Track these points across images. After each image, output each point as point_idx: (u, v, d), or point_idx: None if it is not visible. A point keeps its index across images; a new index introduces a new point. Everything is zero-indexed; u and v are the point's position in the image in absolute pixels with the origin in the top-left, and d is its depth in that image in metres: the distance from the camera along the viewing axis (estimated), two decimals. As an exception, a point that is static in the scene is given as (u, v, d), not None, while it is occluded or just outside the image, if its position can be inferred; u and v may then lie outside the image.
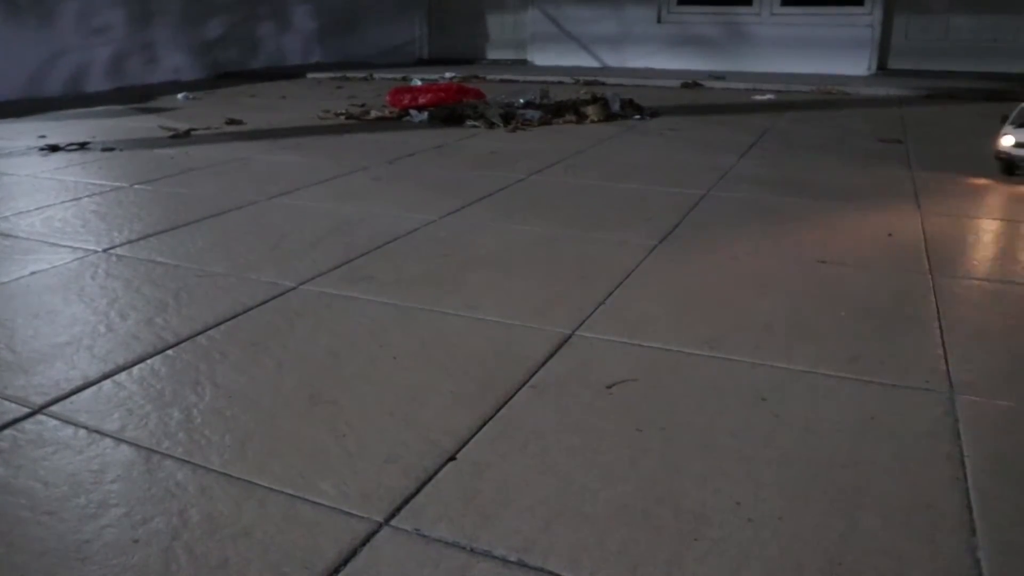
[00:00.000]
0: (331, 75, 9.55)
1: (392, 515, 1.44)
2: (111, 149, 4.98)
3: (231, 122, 6.03)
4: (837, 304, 2.40)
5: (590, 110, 6.06)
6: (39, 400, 1.86)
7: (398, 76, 8.93)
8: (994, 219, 3.35)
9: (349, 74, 9.53)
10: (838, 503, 1.47)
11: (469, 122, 5.89)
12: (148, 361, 2.06)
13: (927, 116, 6.14)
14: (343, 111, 6.48)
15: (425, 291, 2.53)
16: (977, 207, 3.53)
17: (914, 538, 1.37)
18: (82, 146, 5.06)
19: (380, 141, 5.27)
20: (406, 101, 6.39)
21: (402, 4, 10.71)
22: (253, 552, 1.35)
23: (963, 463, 1.59)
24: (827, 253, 2.88)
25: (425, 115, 6.13)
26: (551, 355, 2.07)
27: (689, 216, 3.37)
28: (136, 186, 4.00)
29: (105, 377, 1.98)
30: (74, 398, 1.88)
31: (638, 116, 6.17)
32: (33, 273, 2.72)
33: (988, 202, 3.60)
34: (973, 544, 1.36)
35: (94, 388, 1.92)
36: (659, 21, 9.42)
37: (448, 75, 8.77)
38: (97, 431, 1.73)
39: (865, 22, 8.53)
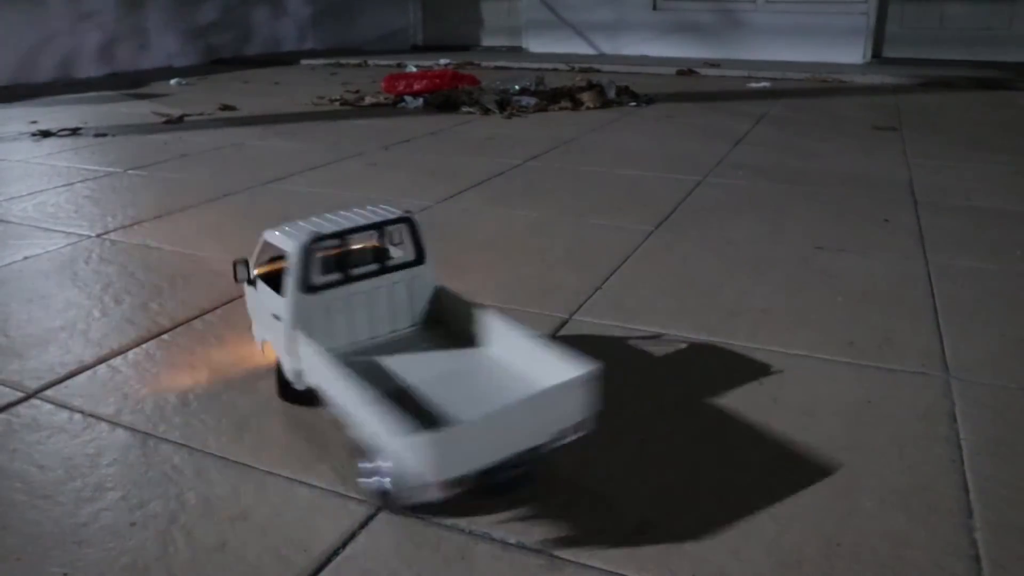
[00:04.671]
0: (325, 61, 9.50)
1: (390, 498, 1.43)
2: (104, 135, 4.95)
3: (225, 108, 5.99)
4: (834, 289, 2.40)
5: (585, 97, 6.04)
6: (34, 384, 1.85)
7: (393, 63, 8.89)
8: (992, 209, 3.35)
9: (343, 60, 9.47)
10: (836, 485, 1.47)
11: (464, 108, 5.86)
12: (143, 345, 2.05)
13: (922, 104, 6.14)
14: (337, 97, 6.44)
15: (421, 276, 2.52)
16: (973, 195, 3.53)
17: (912, 519, 1.38)
18: (74, 132, 5.02)
19: (375, 127, 5.25)
20: (401, 87, 6.36)
21: (396, -10, 10.65)
22: (251, 535, 1.34)
23: (960, 445, 1.59)
24: (824, 239, 2.88)
25: (420, 101, 6.10)
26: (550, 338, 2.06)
27: (685, 202, 3.36)
28: (130, 171, 3.97)
29: (100, 361, 1.96)
30: (69, 382, 1.86)
31: (634, 103, 6.15)
32: (26, 258, 2.70)
33: (982, 189, 3.60)
34: (970, 525, 1.36)
35: (89, 372, 1.91)
36: (655, 8, 9.38)
37: (443, 62, 8.73)
38: (92, 415, 1.72)
39: (860, 10, 8.51)
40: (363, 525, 1.36)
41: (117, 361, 1.97)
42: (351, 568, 1.27)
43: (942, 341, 2.06)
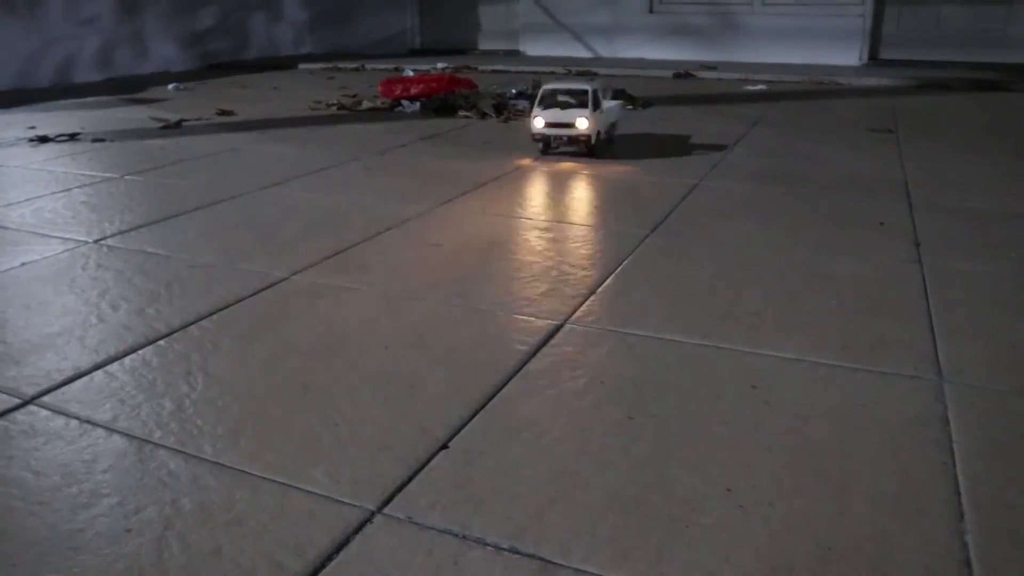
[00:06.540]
0: (323, 66, 9.51)
1: (385, 503, 1.44)
2: (101, 140, 4.96)
3: (222, 113, 6.00)
4: (828, 292, 2.41)
5: (582, 100, 6.04)
6: (30, 391, 1.86)
7: (390, 67, 8.90)
8: (988, 210, 3.36)
9: (341, 65, 9.49)
10: (828, 489, 1.48)
11: (461, 112, 5.88)
12: (140, 351, 2.06)
13: (918, 106, 6.15)
14: (335, 102, 6.45)
15: (417, 280, 2.53)
16: (969, 197, 3.54)
17: (903, 523, 1.38)
18: (72, 137, 5.03)
19: (372, 131, 5.26)
20: (398, 91, 6.36)
21: (394, -6, 10.67)
22: (246, 540, 1.35)
23: (952, 449, 1.60)
24: (819, 242, 2.89)
25: (417, 105, 6.11)
26: (543, 344, 2.07)
27: (680, 205, 3.37)
28: (127, 177, 3.98)
29: (97, 367, 1.97)
30: (65, 389, 1.87)
31: (630, 106, 6.15)
32: (24, 264, 2.71)
33: (977, 190, 3.61)
34: (962, 529, 1.37)
35: (86, 379, 1.92)
36: (651, 11, 9.41)
37: (440, 65, 8.75)
38: (89, 421, 1.73)
39: (856, 12, 8.54)
40: (357, 530, 1.37)
41: (114, 367, 1.98)
42: (345, 573, 1.28)
43: (935, 344, 2.07)
